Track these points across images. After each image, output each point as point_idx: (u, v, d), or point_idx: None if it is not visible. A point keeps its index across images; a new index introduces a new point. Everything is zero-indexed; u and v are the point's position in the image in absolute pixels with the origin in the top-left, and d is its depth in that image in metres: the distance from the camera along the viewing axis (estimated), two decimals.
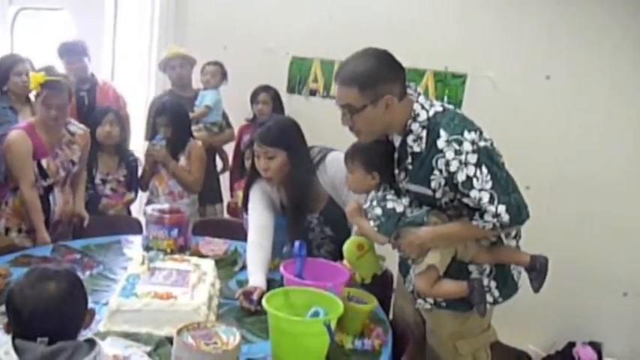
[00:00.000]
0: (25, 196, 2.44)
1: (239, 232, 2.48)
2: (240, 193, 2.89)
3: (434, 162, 1.63)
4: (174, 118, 2.94)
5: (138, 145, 3.53)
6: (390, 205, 1.77)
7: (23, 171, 2.44)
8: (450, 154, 1.60)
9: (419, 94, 1.74)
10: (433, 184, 1.67)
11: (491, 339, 1.94)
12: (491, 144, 1.67)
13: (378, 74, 1.65)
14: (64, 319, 1.20)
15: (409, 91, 1.73)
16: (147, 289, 1.77)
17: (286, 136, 2.12)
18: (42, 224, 2.45)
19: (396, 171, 1.78)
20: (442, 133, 1.61)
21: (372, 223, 1.80)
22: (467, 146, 1.59)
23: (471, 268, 1.79)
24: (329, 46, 3.60)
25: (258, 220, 2.17)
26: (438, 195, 1.69)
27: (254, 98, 3.40)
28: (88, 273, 2.09)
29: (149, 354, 1.56)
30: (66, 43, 3.37)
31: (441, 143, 1.61)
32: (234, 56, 3.78)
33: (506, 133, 3.01)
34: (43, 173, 2.48)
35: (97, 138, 2.85)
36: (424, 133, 1.66)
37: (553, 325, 2.99)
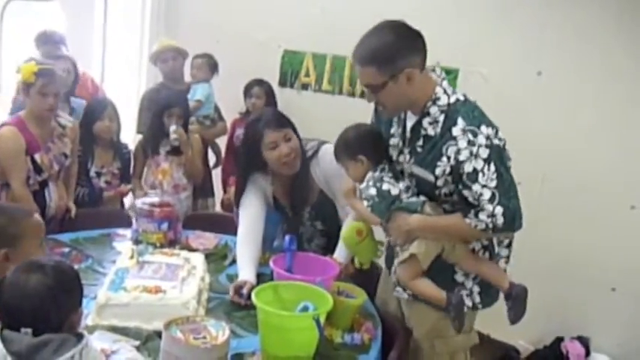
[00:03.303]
0: (16, 194, 2.39)
1: (230, 227, 2.47)
2: (234, 189, 2.89)
3: (444, 148, 1.62)
4: (185, 110, 2.98)
5: (129, 138, 3.51)
6: (385, 186, 1.75)
7: (14, 168, 2.40)
8: (462, 143, 1.58)
9: (443, 78, 1.72)
10: (438, 171, 1.65)
11: (471, 342, 1.92)
12: (504, 145, 1.65)
13: (394, 48, 1.62)
14: (47, 312, 1.19)
15: (434, 75, 1.71)
16: (136, 283, 1.76)
17: (288, 119, 2.13)
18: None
19: (405, 151, 1.75)
20: (460, 121, 1.60)
21: (365, 203, 1.78)
22: (481, 139, 1.57)
23: (457, 269, 1.79)
24: (321, 40, 3.59)
25: (250, 215, 2.16)
26: (440, 183, 1.67)
27: (247, 92, 3.39)
28: (76, 266, 2.07)
29: (138, 348, 1.55)
30: (43, 32, 3.32)
31: (456, 131, 1.60)
32: (227, 50, 3.76)
33: None
34: (37, 168, 2.45)
35: (95, 132, 2.83)
36: (442, 118, 1.64)
37: (541, 320, 3.01)
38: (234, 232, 2.36)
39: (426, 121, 1.67)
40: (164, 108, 2.94)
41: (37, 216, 1.68)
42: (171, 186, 2.99)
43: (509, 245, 1.82)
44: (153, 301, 1.69)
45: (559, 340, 2.93)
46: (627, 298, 2.80)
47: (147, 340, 1.60)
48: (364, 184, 1.80)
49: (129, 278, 1.79)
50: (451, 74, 3.17)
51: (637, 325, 2.79)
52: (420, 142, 1.69)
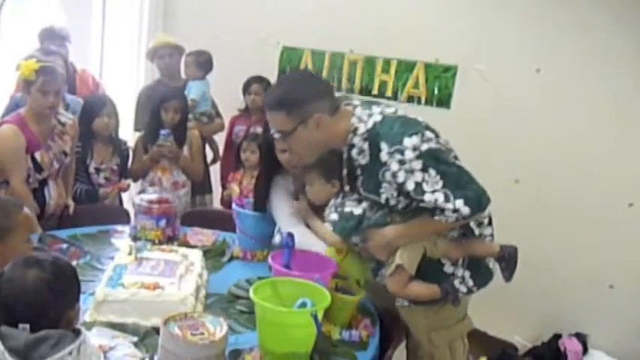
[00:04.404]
0: (16, 192, 2.37)
1: (228, 223, 2.47)
2: (234, 186, 2.89)
3: (380, 175, 1.65)
4: (183, 105, 2.97)
5: (127, 135, 3.50)
6: (347, 209, 1.82)
7: (15, 166, 2.38)
8: (394, 166, 1.61)
9: (355, 106, 1.74)
10: (384, 196, 1.70)
11: (468, 328, 1.96)
12: (437, 141, 1.67)
13: (303, 95, 1.67)
14: (44, 307, 1.19)
15: (347, 105, 1.74)
16: (134, 280, 1.76)
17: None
18: (35, 218, 2.41)
19: (356, 181, 1.79)
20: (383, 145, 1.62)
21: (329, 226, 1.85)
22: (409, 154, 1.60)
23: (443, 260, 1.81)
24: (320, 37, 3.59)
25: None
26: (393, 202, 1.71)
27: (246, 89, 3.38)
28: (74, 263, 2.07)
29: (136, 344, 1.55)
30: (48, 27, 3.32)
31: (384, 156, 1.62)
32: (225, 46, 3.76)
33: (495, 126, 3.06)
34: (37, 167, 2.44)
35: (94, 128, 2.83)
36: (366, 146, 1.67)
37: (539, 317, 3.02)
38: (233, 229, 2.36)
39: (354, 152, 1.71)
40: (160, 102, 2.94)
41: (26, 210, 1.68)
42: (171, 182, 2.99)
43: (490, 223, 1.84)
44: (151, 298, 1.69)
45: (557, 336, 2.93)
46: (625, 295, 2.80)
47: (145, 337, 1.60)
48: (327, 211, 1.87)
49: (127, 274, 1.79)
50: (450, 71, 3.17)
51: (635, 322, 2.80)
52: (359, 172, 1.73)
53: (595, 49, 2.76)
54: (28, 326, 1.16)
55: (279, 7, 3.75)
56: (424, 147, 1.61)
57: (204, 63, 3.44)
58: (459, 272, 1.81)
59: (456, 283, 1.81)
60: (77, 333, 1.21)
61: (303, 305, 1.55)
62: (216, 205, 3.45)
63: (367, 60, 3.45)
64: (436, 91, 3.22)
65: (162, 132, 2.89)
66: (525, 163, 2.99)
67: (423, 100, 3.28)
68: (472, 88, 3.11)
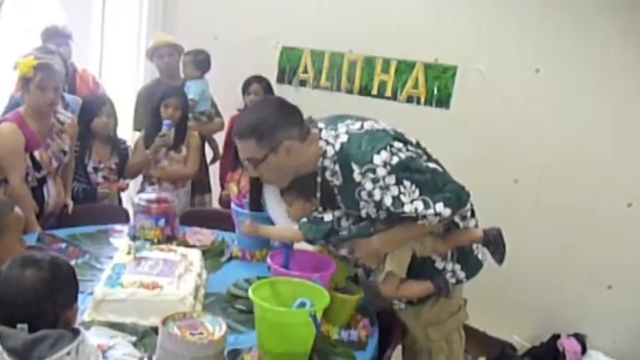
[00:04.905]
0: (15, 191, 2.37)
1: (227, 223, 2.47)
2: (232, 186, 2.89)
3: (356, 194, 1.66)
4: (183, 102, 2.97)
5: (126, 134, 3.50)
6: (318, 215, 1.83)
7: (14, 165, 2.37)
8: (369, 185, 1.62)
9: (321, 129, 1.74)
10: (364, 212, 1.71)
11: (463, 321, 1.99)
12: (406, 149, 1.66)
13: (272, 122, 1.68)
14: (42, 307, 1.19)
15: (313, 128, 1.75)
16: (133, 279, 1.76)
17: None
18: (33, 217, 2.41)
19: (333, 201, 1.80)
20: (354, 166, 1.63)
21: (297, 227, 1.86)
22: (381, 171, 1.60)
23: (434, 257, 1.83)
24: (319, 37, 3.59)
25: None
26: (374, 216, 1.72)
27: (246, 89, 3.37)
28: (73, 262, 2.07)
29: (134, 344, 1.55)
30: (51, 26, 3.32)
31: (356, 176, 1.63)
32: (225, 46, 3.76)
33: (495, 126, 3.06)
34: (36, 165, 2.43)
35: (93, 128, 2.83)
36: (337, 168, 1.67)
37: (538, 317, 3.02)
38: (232, 229, 2.36)
39: (327, 174, 1.71)
40: (160, 100, 2.94)
41: (17, 210, 1.68)
42: (170, 182, 3.00)
43: (473, 214, 1.85)
44: (150, 297, 1.69)
45: (555, 337, 2.93)
46: (623, 295, 2.80)
47: (143, 336, 1.60)
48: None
49: (126, 274, 1.79)
50: (449, 71, 3.17)
51: (633, 323, 2.80)
52: (336, 191, 1.74)
53: (594, 50, 2.76)
54: (26, 326, 1.15)
55: (279, 7, 3.74)
56: (394, 160, 1.61)
57: (201, 62, 3.43)
58: (450, 266, 1.85)
59: (448, 276, 1.84)
60: (76, 333, 1.21)
61: (302, 305, 1.56)
62: (215, 204, 3.45)
63: (367, 60, 3.45)
64: (436, 91, 3.22)
65: (165, 122, 2.89)
66: (524, 164, 2.99)
67: (422, 100, 3.28)
68: (471, 88, 3.11)
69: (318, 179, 1.76)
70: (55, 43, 3.22)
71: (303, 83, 3.71)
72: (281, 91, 3.63)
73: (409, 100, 3.32)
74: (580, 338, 2.88)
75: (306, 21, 3.64)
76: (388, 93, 3.38)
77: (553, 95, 2.90)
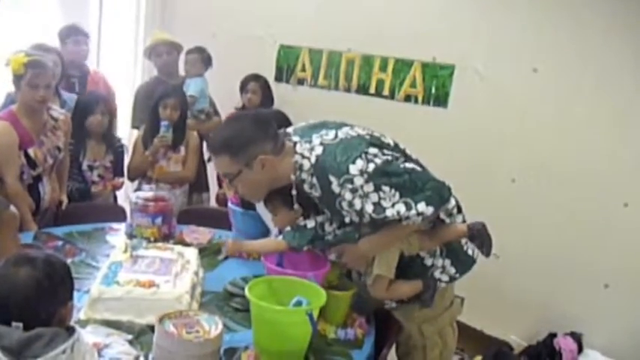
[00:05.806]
0: (10, 189, 2.36)
1: (224, 222, 2.47)
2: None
3: (337, 205, 1.65)
4: (182, 102, 2.96)
5: (123, 132, 3.50)
6: (301, 223, 1.84)
7: (8, 164, 2.36)
8: (348, 196, 1.61)
9: (295, 142, 1.73)
10: (347, 219, 1.71)
11: (456, 314, 2.00)
12: (382, 154, 1.65)
13: (246, 137, 1.68)
14: (36, 305, 1.19)
15: (288, 140, 1.74)
16: (129, 277, 1.75)
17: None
18: (29, 215, 2.40)
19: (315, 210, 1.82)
20: (332, 178, 1.62)
21: (280, 238, 1.88)
22: (358, 181, 1.59)
23: (422, 254, 1.83)
24: (317, 35, 3.59)
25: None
26: (357, 222, 1.71)
27: (243, 87, 3.37)
28: (69, 260, 2.06)
29: (130, 342, 1.55)
30: (71, 25, 3.34)
31: (335, 188, 1.62)
32: (223, 44, 3.76)
33: (492, 126, 3.06)
34: (31, 163, 2.42)
35: (88, 126, 2.82)
36: (315, 180, 1.67)
37: (534, 316, 3.03)
38: (229, 227, 2.36)
39: (306, 187, 1.71)
40: (159, 99, 2.93)
41: (12, 208, 1.67)
42: (169, 182, 2.99)
43: (459, 211, 1.85)
44: (146, 295, 1.68)
45: (552, 335, 2.94)
46: (620, 294, 2.81)
47: (139, 334, 1.60)
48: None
49: (122, 272, 1.79)
50: (447, 70, 3.17)
51: (629, 322, 2.80)
52: (317, 201, 1.75)
53: (592, 49, 2.77)
54: (21, 324, 1.15)
55: (277, 5, 3.75)
56: (370, 167, 1.60)
57: (207, 59, 3.45)
58: (439, 262, 1.85)
59: (437, 273, 1.84)
60: (71, 331, 1.21)
61: (299, 304, 1.55)
62: (213, 203, 3.45)
63: (364, 59, 3.45)
64: (433, 90, 3.22)
65: (163, 123, 2.88)
66: (522, 163, 2.99)
67: (420, 99, 3.28)
68: (469, 87, 3.11)
69: (294, 192, 1.75)
70: (74, 41, 3.23)
71: (300, 82, 3.70)
72: (279, 89, 3.63)
73: (407, 98, 3.32)
74: (576, 337, 2.88)
75: (304, 19, 3.64)
76: (386, 92, 3.38)
77: (551, 95, 2.90)
